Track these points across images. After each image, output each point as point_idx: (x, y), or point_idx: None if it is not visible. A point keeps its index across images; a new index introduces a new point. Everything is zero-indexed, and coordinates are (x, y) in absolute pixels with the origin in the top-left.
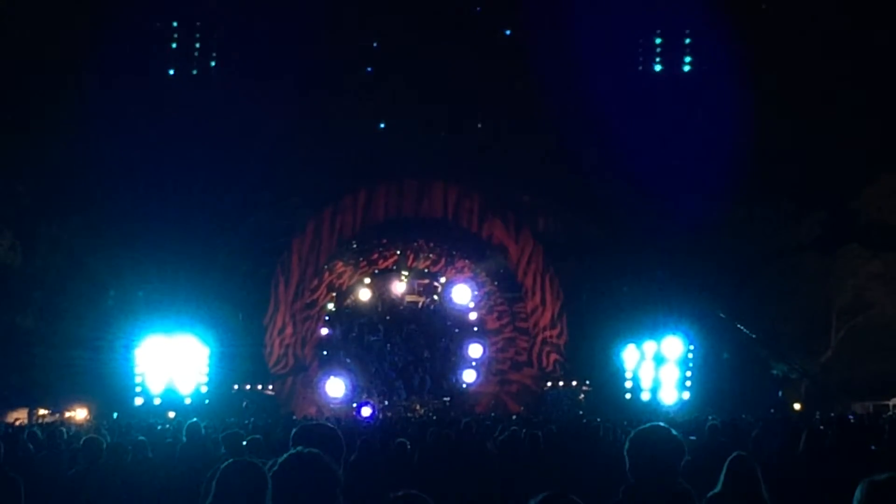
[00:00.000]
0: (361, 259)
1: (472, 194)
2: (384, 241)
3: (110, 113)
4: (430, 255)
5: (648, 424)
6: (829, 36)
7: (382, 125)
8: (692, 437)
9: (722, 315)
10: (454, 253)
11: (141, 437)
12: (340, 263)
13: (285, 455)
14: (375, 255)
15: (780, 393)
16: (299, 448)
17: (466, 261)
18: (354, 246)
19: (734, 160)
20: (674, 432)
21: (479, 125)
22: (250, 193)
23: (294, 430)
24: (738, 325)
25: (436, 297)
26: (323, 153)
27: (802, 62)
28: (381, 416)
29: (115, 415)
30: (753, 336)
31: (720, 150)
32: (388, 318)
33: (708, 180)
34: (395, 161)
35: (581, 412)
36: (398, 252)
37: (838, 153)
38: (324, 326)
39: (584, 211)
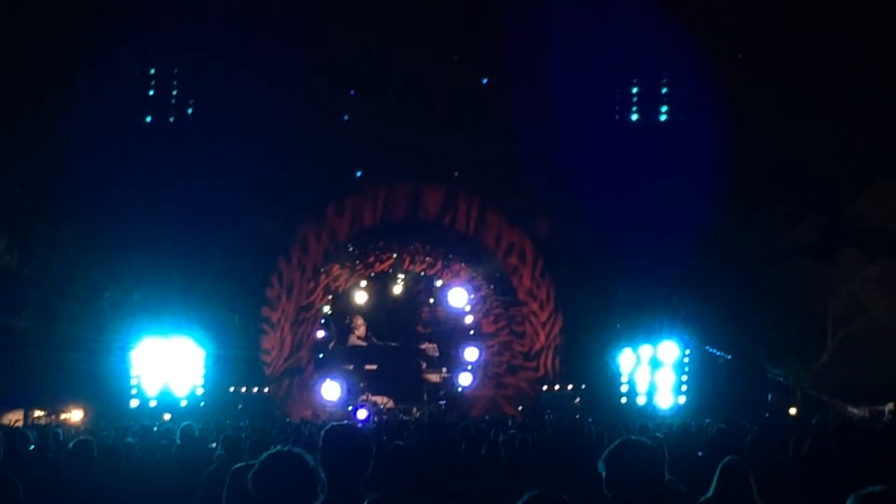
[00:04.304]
0: (357, 262)
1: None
2: (380, 243)
3: (106, 114)
4: (427, 259)
5: (620, 440)
6: (825, 46)
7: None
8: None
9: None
10: (450, 256)
11: (131, 440)
12: (337, 266)
13: (265, 454)
14: (371, 258)
15: (770, 397)
16: (279, 447)
17: (462, 264)
18: (350, 249)
19: (731, 165)
20: (649, 443)
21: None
22: (247, 195)
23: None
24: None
25: (432, 300)
26: (321, 154)
27: (797, 72)
28: (376, 419)
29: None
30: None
31: (717, 156)
32: (386, 320)
33: (704, 185)
34: (393, 165)
35: (577, 416)
36: (394, 255)
37: (836, 157)
38: (320, 329)
39: (579, 215)
